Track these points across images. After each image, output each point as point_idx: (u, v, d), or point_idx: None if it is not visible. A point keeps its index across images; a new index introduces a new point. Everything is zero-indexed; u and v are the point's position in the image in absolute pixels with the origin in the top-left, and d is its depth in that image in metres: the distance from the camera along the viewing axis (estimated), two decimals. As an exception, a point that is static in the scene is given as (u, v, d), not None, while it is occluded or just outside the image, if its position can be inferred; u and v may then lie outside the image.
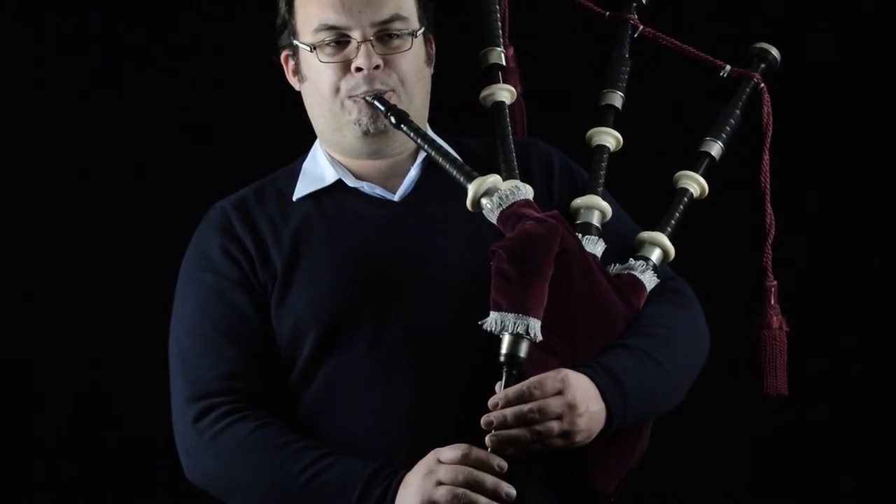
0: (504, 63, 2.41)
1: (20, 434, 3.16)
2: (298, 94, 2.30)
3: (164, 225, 2.76)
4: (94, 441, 3.16)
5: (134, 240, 3.12)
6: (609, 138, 2.37)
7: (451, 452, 2.02)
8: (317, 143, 2.32)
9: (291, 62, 2.28)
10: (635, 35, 2.47)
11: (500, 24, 2.42)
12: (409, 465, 2.05)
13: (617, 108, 2.41)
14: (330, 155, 2.28)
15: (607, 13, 2.48)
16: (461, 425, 2.05)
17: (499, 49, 2.41)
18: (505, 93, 2.38)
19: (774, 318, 2.42)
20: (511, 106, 2.38)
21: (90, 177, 3.14)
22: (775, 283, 2.43)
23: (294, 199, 2.26)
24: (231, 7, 3.05)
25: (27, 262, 3.14)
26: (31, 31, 3.12)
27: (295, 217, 2.23)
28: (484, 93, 2.38)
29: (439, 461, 2.02)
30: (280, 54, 2.30)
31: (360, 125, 2.21)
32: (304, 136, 2.33)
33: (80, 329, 3.14)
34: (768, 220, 2.43)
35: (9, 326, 3.15)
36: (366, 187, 2.25)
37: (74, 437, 3.15)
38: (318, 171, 2.28)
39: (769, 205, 2.43)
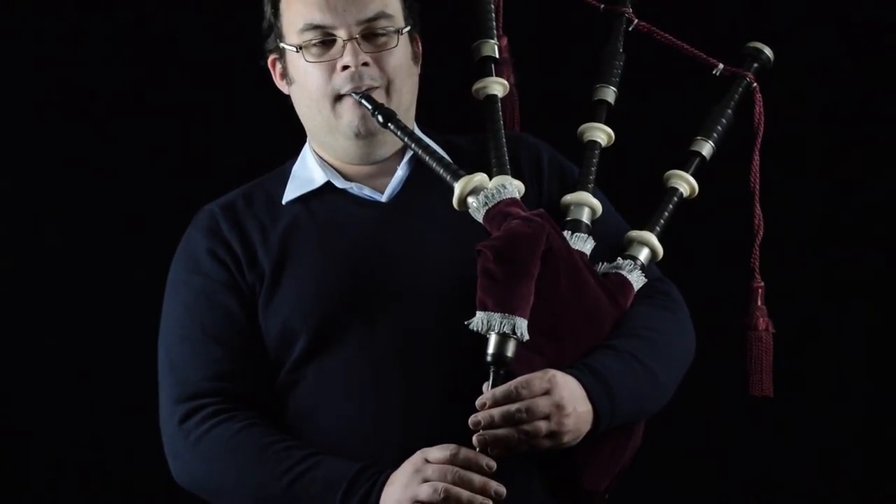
0: (497, 55, 2.40)
1: (20, 439, 3.17)
2: (287, 97, 2.30)
3: (153, 228, 2.76)
4: (90, 444, 3.16)
5: (124, 242, 3.12)
6: (601, 134, 2.35)
7: (438, 452, 2.01)
8: (306, 146, 2.32)
9: (279, 66, 2.28)
10: (630, 29, 2.46)
11: (493, 14, 2.41)
12: (400, 466, 2.05)
13: (609, 104, 2.40)
14: (319, 156, 2.28)
15: (602, 6, 2.46)
16: (452, 425, 2.05)
17: (492, 41, 2.40)
18: (497, 86, 2.37)
19: (761, 320, 2.41)
20: (503, 98, 2.37)
21: (82, 179, 3.14)
22: (762, 284, 2.42)
23: (283, 202, 2.26)
24: (222, 8, 3.05)
25: (20, 264, 3.15)
26: (27, 31, 3.13)
27: (284, 220, 2.24)
28: (476, 85, 2.37)
29: (427, 460, 2.02)
30: (267, 59, 2.29)
31: (351, 127, 2.21)
32: (294, 139, 2.33)
33: (74, 331, 3.14)
34: (757, 221, 2.42)
35: (6, 330, 3.15)
36: (354, 188, 2.25)
37: (70, 438, 3.15)
38: (307, 173, 2.28)
39: (758, 206, 2.42)
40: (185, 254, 2.25)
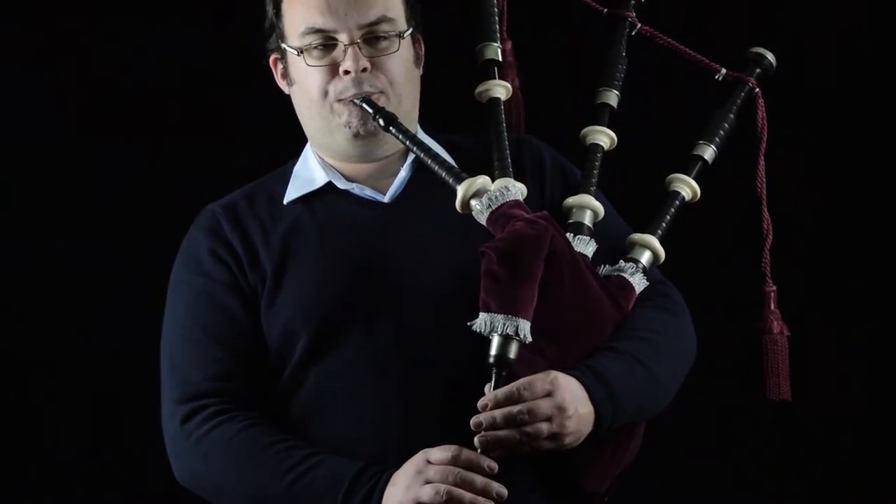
0: (500, 58, 2.40)
1: (20, 438, 3.16)
2: (288, 96, 2.29)
3: (155, 228, 2.76)
4: (90, 444, 3.16)
5: (126, 243, 3.13)
6: (603, 137, 2.35)
7: (440, 453, 2.01)
8: (307, 147, 2.31)
9: (280, 65, 2.27)
10: (633, 33, 2.46)
11: (497, 18, 2.41)
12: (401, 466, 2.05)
13: (612, 107, 2.40)
14: (320, 157, 2.28)
15: (605, 10, 2.46)
16: (454, 426, 2.05)
17: (495, 44, 2.40)
18: (501, 89, 2.36)
19: (775, 324, 2.40)
20: (507, 101, 2.37)
21: (83, 179, 3.15)
22: (774, 288, 2.41)
23: (284, 202, 2.26)
24: (222, 8, 3.05)
25: (21, 263, 3.15)
26: (28, 30, 3.13)
27: (285, 220, 2.23)
28: (479, 88, 2.37)
29: (428, 461, 2.02)
30: (268, 57, 2.29)
31: (350, 127, 2.20)
32: (294, 139, 2.33)
33: (74, 332, 3.15)
34: (766, 226, 2.42)
35: (7, 330, 3.15)
36: (356, 189, 2.25)
37: (71, 438, 3.16)
38: (309, 174, 2.28)
39: (766, 210, 2.42)
40: (186, 254, 2.25)
